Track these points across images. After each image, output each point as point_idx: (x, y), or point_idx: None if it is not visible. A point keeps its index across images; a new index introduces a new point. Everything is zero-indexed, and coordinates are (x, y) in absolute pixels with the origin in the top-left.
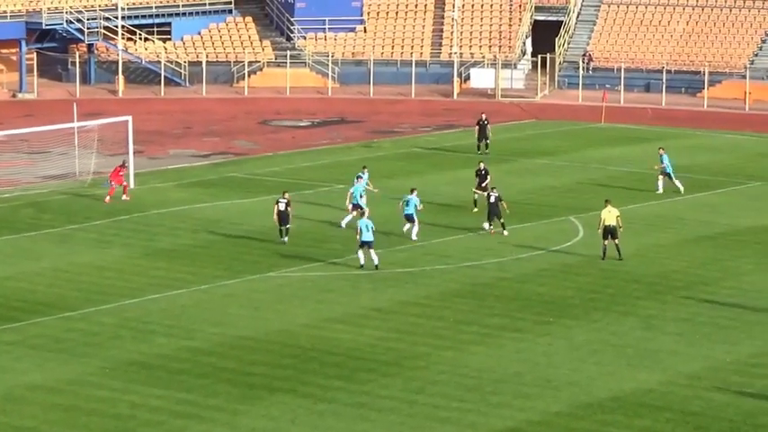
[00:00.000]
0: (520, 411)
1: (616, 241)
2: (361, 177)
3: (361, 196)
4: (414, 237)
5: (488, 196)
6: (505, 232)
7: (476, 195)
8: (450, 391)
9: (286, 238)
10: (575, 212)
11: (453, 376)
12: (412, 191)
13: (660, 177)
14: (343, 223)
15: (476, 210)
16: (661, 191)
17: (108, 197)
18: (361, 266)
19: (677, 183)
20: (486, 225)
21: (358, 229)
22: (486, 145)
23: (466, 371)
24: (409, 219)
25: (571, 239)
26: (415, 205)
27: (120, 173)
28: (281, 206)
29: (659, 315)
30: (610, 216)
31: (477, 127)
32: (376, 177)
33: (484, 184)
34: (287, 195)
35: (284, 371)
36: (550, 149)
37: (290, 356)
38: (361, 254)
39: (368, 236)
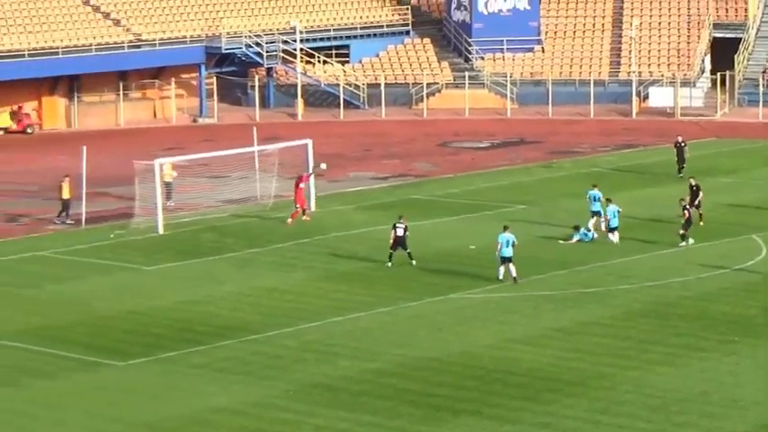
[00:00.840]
0: (706, 431)
1: None
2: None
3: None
4: (616, 240)
5: (686, 209)
6: (691, 240)
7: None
8: (636, 410)
9: (414, 261)
10: (757, 231)
11: (638, 396)
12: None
13: None
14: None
15: (701, 223)
16: None
17: (290, 219)
18: (500, 280)
19: None
20: (684, 243)
21: (498, 243)
22: (681, 168)
23: (651, 390)
24: (613, 229)
25: (754, 258)
26: (618, 211)
27: (301, 184)
28: (399, 231)
29: None
30: None
31: (674, 150)
32: (555, 197)
33: (697, 201)
34: (404, 220)
35: (468, 392)
36: (731, 168)
37: (474, 378)
38: (501, 269)
39: (507, 251)
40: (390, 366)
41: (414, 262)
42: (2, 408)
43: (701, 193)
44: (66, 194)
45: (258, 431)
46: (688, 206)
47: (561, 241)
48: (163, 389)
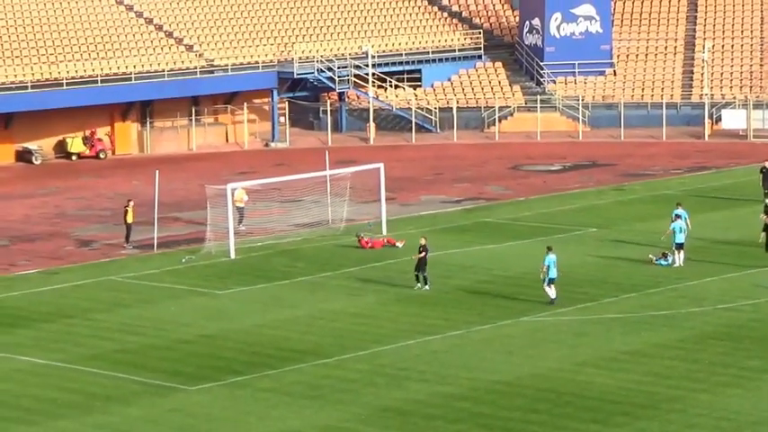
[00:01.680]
0: None
1: None
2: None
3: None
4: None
5: None
6: None
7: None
8: None
9: (428, 286)
10: None
11: (710, 419)
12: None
13: None
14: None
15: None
16: None
17: (400, 244)
18: (551, 302)
19: None
20: None
21: (544, 265)
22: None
23: (723, 414)
24: (680, 246)
25: None
26: (685, 224)
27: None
28: (423, 254)
29: None
30: None
31: (760, 175)
32: (627, 220)
33: None
34: (424, 241)
35: (539, 415)
36: None
37: (545, 401)
38: (550, 290)
39: (553, 272)
40: (462, 390)
41: (428, 287)
42: None
43: None
44: (129, 219)
45: None
46: None
47: (651, 255)
48: (233, 413)
